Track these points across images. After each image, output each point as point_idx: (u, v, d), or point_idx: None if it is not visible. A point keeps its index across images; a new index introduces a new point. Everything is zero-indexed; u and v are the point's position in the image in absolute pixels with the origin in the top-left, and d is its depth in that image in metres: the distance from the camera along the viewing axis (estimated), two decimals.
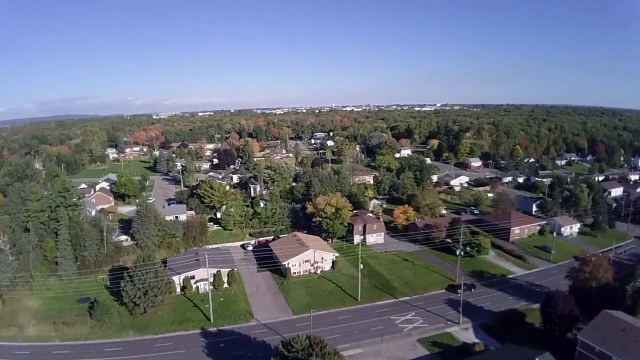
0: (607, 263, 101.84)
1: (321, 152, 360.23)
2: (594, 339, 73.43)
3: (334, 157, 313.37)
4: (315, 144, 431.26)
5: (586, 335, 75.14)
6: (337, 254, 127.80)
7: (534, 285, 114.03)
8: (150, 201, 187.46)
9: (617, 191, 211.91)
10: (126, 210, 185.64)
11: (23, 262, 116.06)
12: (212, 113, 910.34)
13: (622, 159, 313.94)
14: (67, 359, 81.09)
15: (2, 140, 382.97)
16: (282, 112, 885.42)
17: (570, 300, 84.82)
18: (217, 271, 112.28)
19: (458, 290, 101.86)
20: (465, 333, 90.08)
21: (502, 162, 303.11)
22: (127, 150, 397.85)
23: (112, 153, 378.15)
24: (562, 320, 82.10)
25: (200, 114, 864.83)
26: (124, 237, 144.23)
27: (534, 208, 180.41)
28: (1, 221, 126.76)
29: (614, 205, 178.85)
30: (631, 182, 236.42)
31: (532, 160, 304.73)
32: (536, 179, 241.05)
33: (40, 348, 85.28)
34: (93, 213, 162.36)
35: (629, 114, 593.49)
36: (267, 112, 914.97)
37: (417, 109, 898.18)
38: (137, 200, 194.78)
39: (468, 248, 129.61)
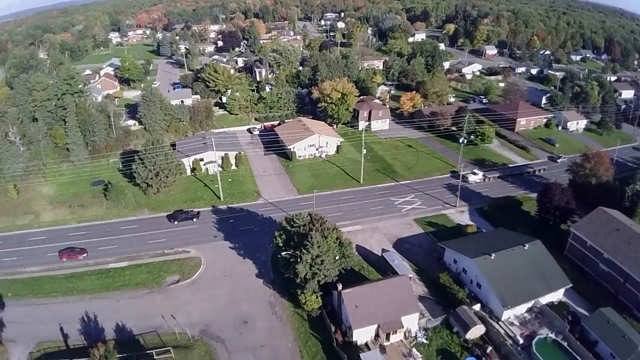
0: (608, 161, 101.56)
1: (331, 34, 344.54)
2: (586, 233, 75.19)
3: (343, 40, 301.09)
4: (324, 25, 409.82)
5: (579, 228, 77.01)
6: (341, 139, 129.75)
7: (534, 175, 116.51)
8: (155, 85, 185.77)
9: (628, 93, 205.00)
10: (132, 95, 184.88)
11: (34, 151, 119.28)
12: None
13: (636, 62, 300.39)
14: (85, 239, 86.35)
15: (6, 34, 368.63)
16: None
17: (567, 192, 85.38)
18: (225, 154, 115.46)
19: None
20: (460, 215, 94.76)
21: (517, 52, 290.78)
22: (130, 33, 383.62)
23: (115, 37, 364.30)
24: (557, 210, 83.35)
25: None
26: (131, 122, 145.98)
27: (544, 100, 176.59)
28: (9, 113, 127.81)
29: (623, 106, 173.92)
30: None
31: (547, 52, 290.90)
32: (549, 71, 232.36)
33: (57, 232, 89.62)
34: (99, 99, 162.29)
35: None
36: None
37: None
38: (142, 85, 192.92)
39: (472, 136, 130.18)
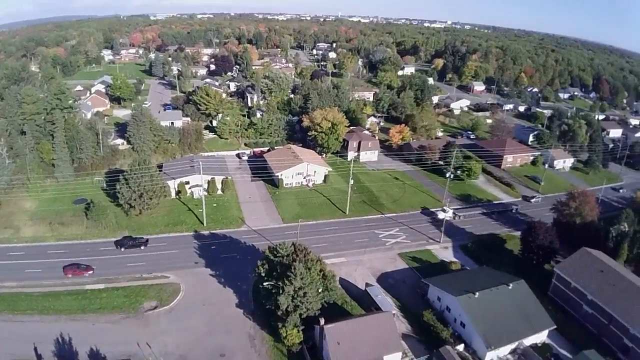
0: (594, 201, 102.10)
1: (322, 64, 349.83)
2: (570, 274, 75.37)
3: (335, 70, 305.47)
4: (316, 55, 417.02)
5: (563, 269, 77.22)
6: (329, 169, 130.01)
7: (518, 213, 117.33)
8: (146, 105, 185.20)
9: (615, 132, 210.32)
10: (122, 113, 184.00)
11: (20, 165, 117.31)
12: (211, 16, 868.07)
13: (624, 101, 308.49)
14: (63, 258, 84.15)
15: None
16: (284, 19, 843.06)
17: (552, 232, 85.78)
18: (212, 178, 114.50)
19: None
20: (444, 251, 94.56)
21: (505, 88, 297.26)
22: (123, 52, 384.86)
23: (107, 55, 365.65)
24: (541, 250, 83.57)
25: (199, 17, 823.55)
26: (119, 141, 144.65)
27: (531, 138, 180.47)
28: None
29: (611, 146, 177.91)
30: (631, 126, 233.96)
31: (535, 90, 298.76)
32: (537, 109, 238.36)
33: (36, 248, 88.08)
34: (89, 116, 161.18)
35: (638, 58, 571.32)
36: (268, 17, 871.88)
37: (426, 24, 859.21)
38: (132, 104, 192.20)
39: (459, 171, 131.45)
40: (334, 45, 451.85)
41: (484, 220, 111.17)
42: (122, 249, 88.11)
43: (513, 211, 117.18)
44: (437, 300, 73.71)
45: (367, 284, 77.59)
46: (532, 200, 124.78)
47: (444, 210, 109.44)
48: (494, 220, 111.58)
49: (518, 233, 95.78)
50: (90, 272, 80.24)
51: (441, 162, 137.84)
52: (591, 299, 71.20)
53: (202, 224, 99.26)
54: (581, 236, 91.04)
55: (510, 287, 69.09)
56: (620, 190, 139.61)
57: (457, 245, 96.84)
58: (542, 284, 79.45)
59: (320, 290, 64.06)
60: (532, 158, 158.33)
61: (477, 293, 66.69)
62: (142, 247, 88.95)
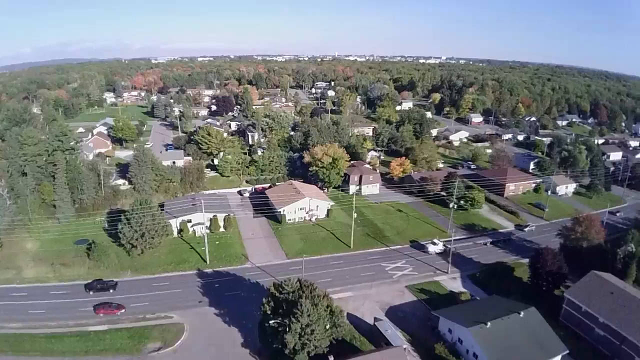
0: (599, 224, 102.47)
1: (321, 102, 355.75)
2: (581, 298, 74.94)
3: (334, 108, 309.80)
4: (315, 93, 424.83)
5: (573, 293, 76.67)
6: (332, 203, 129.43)
7: (524, 240, 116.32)
8: (148, 146, 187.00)
9: (616, 155, 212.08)
10: (123, 154, 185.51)
11: (21, 206, 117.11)
12: (211, 59, 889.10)
13: (623, 124, 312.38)
14: (65, 299, 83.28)
15: (0, 86, 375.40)
16: (283, 60, 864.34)
17: (560, 257, 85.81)
18: (214, 216, 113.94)
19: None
20: (452, 282, 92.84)
21: (503, 119, 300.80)
22: (125, 94, 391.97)
23: (109, 97, 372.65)
24: (550, 276, 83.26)
25: (199, 59, 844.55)
26: (121, 181, 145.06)
27: (532, 166, 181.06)
28: None
29: (612, 169, 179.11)
30: (631, 148, 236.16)
31: (533, 118, 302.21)
32: (536, 137, 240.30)
33: (39, 289, 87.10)
34: (90, 157, 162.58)
35: (634, 81, 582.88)
36: (267, 59, 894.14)
37: (421, 61, 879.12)
38: (134, 145, 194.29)
39: (462, 201, 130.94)
40: (332, 83, 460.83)
41: (490, 249, 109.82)
42: (91, 292, 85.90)
43: (501, 242, 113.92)
44: (448, 333, 71.76)
45: (375, 319, 75.57)
46: (526, 229, 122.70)
47: (434, 243, 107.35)
48: (500, 249, 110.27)
49: (526, 260, 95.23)
50: (123, 310, 79.50)
51: (443, 193, 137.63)
52: (602, 321, 70.92)
53: (205, 262, 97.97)
54: (589, 260, 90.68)
55: (521, 315, 68.30)
56: (617, 214, 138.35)
57: (466, 275, 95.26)
58: (553, 309, 78.37)
59: (327, 327, 62.37)
60: (534, 185, 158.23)
61: (489, 323, 65.24)
62: (111, 291, 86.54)
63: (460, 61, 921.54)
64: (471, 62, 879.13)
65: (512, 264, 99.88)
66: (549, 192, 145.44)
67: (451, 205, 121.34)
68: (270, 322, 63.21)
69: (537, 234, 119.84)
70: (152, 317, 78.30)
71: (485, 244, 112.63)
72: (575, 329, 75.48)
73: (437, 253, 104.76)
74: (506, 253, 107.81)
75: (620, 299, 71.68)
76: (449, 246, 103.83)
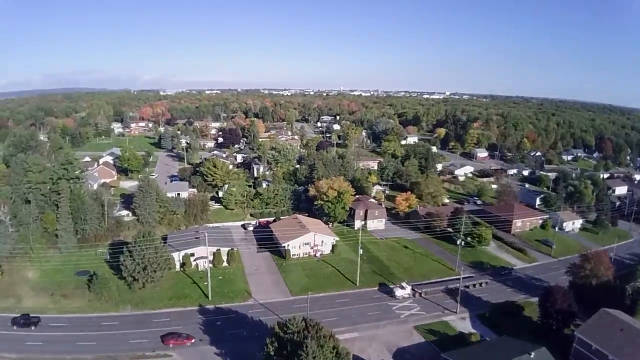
0: (608, 261, 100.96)
1: (327, 135, 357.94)
2: (591, 337, 73.25)
3: (339, 141, 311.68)
4: (321, 127, 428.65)
5: (584, 332, 74.94)
6: (337, 238, 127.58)
7: (533, 278, 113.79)
8: (153, 177, 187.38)
9: (621, 189, 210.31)
10: (128, 185, 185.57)
11: (23, 234, 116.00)
12: (219, 92, 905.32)
13: (628, 157, 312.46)
14: (63, 332, 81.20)
15: (7, 111, 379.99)
16: (289, 94, 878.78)
17: (569, 295, 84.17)
18: (217, 250, 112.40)
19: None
20: (462, 322, 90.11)
21: (508, 154, 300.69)
22: (133, 125, 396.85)
23: (117, 127, 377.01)
24: (560, 315, 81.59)
25: (207, 92, 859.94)
26: (125, 212, 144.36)
27: (538, 202, 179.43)
28: (2, 192, 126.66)
29: (618, 203, 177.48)
30: (636, 182, 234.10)
31: (538, 153, 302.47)
32: (541, 172, 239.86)
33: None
34: (95, 186, 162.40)
35: (637, 113, 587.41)
36: (274, 93, 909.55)
37: (425, 96, 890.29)
38: (139, 176, 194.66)
39: (469, 238, 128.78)
40: (338, 117, 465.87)
41: (499, 288, 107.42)
42: (15, 327, 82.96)
43: (484, 284, 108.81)
44: None
45: None
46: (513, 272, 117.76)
47: (402, 287, 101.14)
48: (509, 287, 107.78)
49: (535, 299, 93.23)
50: (192, 340, 79.15)
51: (450, 229, 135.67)
52: (612, 358, 68.91)
53: (207, 297, 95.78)
54: (598, 297, 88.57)
55: (532, 356, 66.29)
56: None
57: (474, 315, 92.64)
58: (563, 349, 75.80)
59: None
60: (541, 221, 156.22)
61: None
62: (33, 327, 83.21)
63: (464, 96, 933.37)
64: (475, 98, 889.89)
65: (521, 302, 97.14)
66: (556, 228, 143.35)
67: (458, 242, 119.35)
68: None
69: (545, 272, 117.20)
70: (152, 354, 75.85)
71: (481, 284, 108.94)
72: None
73: (404, 297, 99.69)
74: (515, 292, 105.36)
75: (631, 334, 70.63)
76: (419, 290, 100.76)
